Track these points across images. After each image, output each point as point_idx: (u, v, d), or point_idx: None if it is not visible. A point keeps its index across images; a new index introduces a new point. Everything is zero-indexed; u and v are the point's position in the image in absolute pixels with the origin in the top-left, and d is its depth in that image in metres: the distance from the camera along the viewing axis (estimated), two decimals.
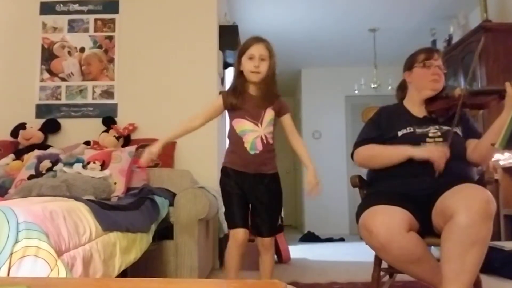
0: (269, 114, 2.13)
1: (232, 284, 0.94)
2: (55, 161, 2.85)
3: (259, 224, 2.15)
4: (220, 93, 2.22)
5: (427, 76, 2.10)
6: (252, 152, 2.10)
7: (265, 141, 2.11)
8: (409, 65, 2.18)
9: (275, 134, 2.18)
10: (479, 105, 2.10)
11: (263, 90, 2.14)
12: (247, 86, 2.15)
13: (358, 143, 2.14)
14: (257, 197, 2.13)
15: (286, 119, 2.20)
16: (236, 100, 2.12)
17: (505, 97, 1.91)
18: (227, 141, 2.25)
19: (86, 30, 3.74)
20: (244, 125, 2.11)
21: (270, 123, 2.13)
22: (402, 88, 2.28)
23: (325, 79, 7.25)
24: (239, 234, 2.09)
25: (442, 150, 1.91)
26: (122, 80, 3.69)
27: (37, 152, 3.04)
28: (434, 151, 1.93)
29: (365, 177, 2.22)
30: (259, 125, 2.11)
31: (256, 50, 2.09)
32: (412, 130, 2.05)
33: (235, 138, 2.13)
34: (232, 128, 2.15)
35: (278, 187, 2.19)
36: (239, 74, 2.14)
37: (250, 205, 2.16)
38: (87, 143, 3.39)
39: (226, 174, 2.19)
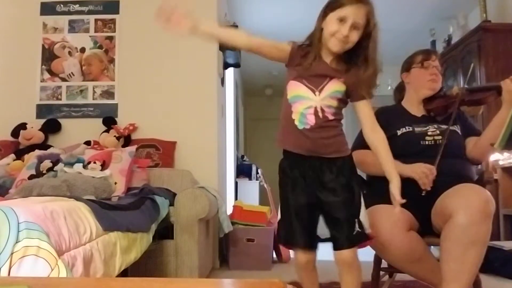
0: (335, 84, 1.61)
1: (232, 284, 0.95)
2: (56, 161, 2.85)
3: (330, 231, 1.64)
4: (289, 42, 1.69)
5: (425, 76, 2.11)
6: (301, 127, 1.61)
7: (320, 115, 1.59)
8: (407, 66, 2.19)
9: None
10: (477, 101, 2.11)
11: (339, 61, 1.63)
12: (322, 49, 1.63)
13: (357, 146, 2.15)
14: (322, 189, 1.63)
15: (363, 106, 1.67)
16: (303, 60, 1.63)
17: (502, 92, 1.93)
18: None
19: (86, 30, 3.74)
20: (297, 90, 1.62)
21: (334, 96, 1.61)
22: (400, 90, 2.29)
23: None
24: (299, 257, 1.70)
25: (428, 168, 1.87)
26: (122, 80, 3.69)
27: (37, 152, 3.05)
28: (417, 170, 1.87)
29: (364, 177, 2.22)
30: (317, 93, 1.60)
31: (352, 13, 1.54)
32: (411, 129, 2.06)
33: (284, 107, 1.67)
34: (284, 94, 1.68)
35: (350, 177, 1.65)
36: (319, 31, 1.62)
37: (316, 205, 1.65)
38: (87, 143, 3.39)
39: (284, 156, 1.71)
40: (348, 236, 1.60)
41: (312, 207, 1.65)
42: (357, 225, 1.61)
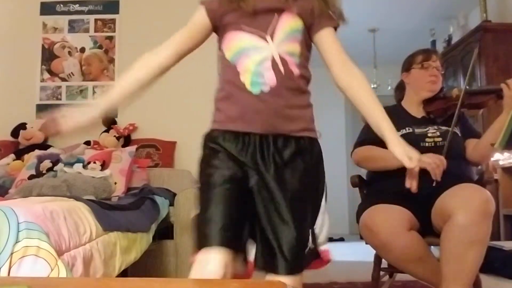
0: (288, 20, 1.15)
1: (232, 284, 0.94)
2: (56, 161, 2.85)
3: (271, 242, 1.09)
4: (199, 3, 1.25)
5: (425, 78, 2.11)
6: (255, 90, 1.12)
7: (281, 69, 1.13)
8: (407, 66, 2.19)
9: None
10: (477, 104, 2.11)
11: None
12: None
13: (358, 144, 2.15)
14: (270, 180, 1.11)
15: (326, 36, 1.20)
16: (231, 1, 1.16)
17: (503, 97, 1.92)
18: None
19: (86, 30, 3.73)
20: (239, 42, 1.16)
21: (293, 37, 1.16)
22: (401, 89, 2.29)
23: (325, 79, 7.13)
24: (209, 263, 1.06)
25: (439, 159, 1.86)
26: None
27: (37, 152, 3.05)
28: (429, 161, 1.82)
29: (365, 177, 2.22)
30: (268, 37, 1.13)
31: None
32: (411, 130, 2.06)
33: (226, 72, 1.19)
34: (222, 58, 1.22)
35: (315, 166, 1.17)
36: None
37: (253, 206, 1.12)
38: (87, 143, 3.39)
39: (212, 145, 1.17)
40: (292, 252, 1.07)
41: (246, 191, 1.11)
42: (310, 240, 1.12)
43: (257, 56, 1.13)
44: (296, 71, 1.15)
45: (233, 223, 1.09)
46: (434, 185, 1.85)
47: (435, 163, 1.83)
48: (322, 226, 1.16)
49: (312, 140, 1.18)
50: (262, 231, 1.11)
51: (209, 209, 1.11)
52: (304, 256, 1.11)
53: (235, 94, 1.15)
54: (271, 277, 1.07)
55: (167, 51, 1.26)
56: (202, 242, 1.10)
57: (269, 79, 1.12)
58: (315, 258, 1.16)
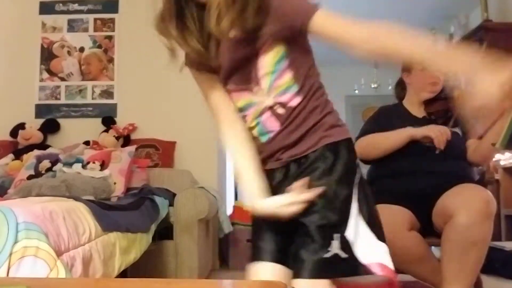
0: (267, 59, 1.07)
1: (232, 284, 0.94)
2: (55, 161, 2.85)
3: (297, 252, 1.05)
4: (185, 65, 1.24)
5: (426, 79, 2.10)
6: (264, 139, 1.12)
7: (281, 112, 1.08)
8: (408, 66, 2.18)
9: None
10: None
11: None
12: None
13: (360, 135, 2.15)
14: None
15: (317, 27, 1.03)
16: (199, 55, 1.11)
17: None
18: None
19: (85, 29, 3.73)
20: (236, 102, 1.15)
21: (281, 70, 1.08)
22: (402, 86, 2.28)
23: (325, 78, 7.07)
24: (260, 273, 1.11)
25: (444, 128, 1.94)
26: (121, 80, 3.68)
27: (36, 152, 3.04)
28: (434, 128, 1.94)
29: (365, 177, 2.22)
30: (255, 88, 1.09)
31: None
32: None
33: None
34: None
35: (332, 168, 1.07)
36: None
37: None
38: (86, 143, 3.38)
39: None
40: (314, 259, 1.01)
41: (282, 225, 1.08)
42: (335, 244, 1.01)
43: (254, 111, 1.11)
44: (297, 100, 1.08)
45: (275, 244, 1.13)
46: (437, 152, 1.90)
47: (440, 131, 1.89)
48: (357, 234, 1.04)
49: (330, 144, 1.08)
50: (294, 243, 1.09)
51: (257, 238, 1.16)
52: (324, 261, 1.01)
53: (254, 140, 1.15)
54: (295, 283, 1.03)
55: (233, 116, 1.16)
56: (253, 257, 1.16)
57: (272, 126, 1.10)
58: (355, 272, 1.04)
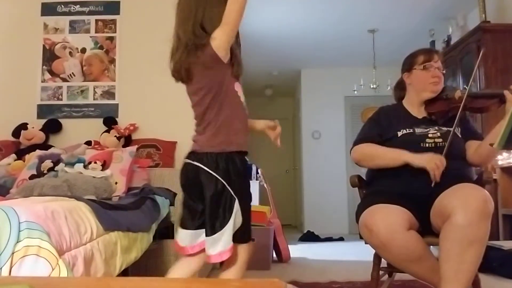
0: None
1: (232, 283, 0.95)
2: (57, 161, 2.86)
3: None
4: None
5: (427, 79, 2.10)
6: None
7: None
8: (408, 66, 2.17)
9: None
10: (480, 108, 2.09)
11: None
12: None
13: (358, 141, 2.15)
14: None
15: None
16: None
17: (506, 102, 1.92)
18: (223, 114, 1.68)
19: (87, 31, 3.74)
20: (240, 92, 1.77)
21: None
22: (401, 88, 2.28)
23: (324, 79, 7.25)
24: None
25: (439, 159, 1.87)
26: (123, 81, 3.70)
27: (38, 152, 3.05)
28: (430, 161, 1.88)
29: (364, 177, 2.23)
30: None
31: None
32: (411, 131, 2.06)
33: (242, 110, 1.74)
34: (234, 95, 1.75)
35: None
36: None
37: None
38: (88, 143, 3.40)
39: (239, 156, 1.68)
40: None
41: None
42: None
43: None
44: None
45: None
46: (432, 185, 1.87)
47: (436, 164, 1.85)
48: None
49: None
50: None
51: None
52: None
53: (245, 124, 1.75)
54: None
55: None
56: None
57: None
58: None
